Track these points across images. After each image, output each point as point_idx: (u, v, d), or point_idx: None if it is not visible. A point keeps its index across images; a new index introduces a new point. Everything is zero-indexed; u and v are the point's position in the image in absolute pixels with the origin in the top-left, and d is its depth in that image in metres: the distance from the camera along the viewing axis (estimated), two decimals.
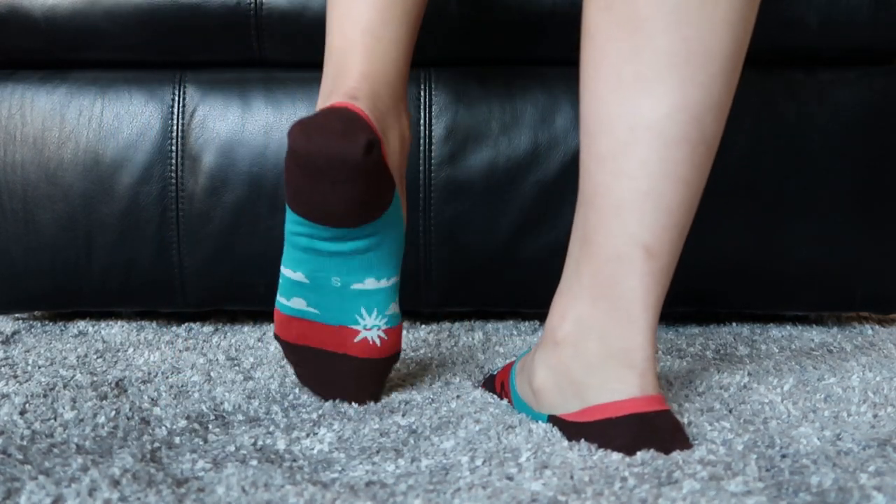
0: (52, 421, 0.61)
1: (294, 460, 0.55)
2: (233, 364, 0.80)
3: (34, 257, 0.92)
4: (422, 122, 0.90)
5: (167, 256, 0.92)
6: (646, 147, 0.56)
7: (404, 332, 0.91)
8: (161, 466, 0.53)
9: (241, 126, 0.91)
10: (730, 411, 0.64)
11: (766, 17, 0.88)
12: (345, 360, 0.66)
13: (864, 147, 0.90)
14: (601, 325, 0.58)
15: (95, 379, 0.73)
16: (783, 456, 0.54)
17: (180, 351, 0.84)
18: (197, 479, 0.51)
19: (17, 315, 1.01)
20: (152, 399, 0.67)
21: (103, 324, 0.96)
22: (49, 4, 0.89)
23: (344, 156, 0.57)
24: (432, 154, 0.90)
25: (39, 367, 0.76)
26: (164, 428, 0.60)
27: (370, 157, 0.58)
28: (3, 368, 0.76)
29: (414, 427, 0.61)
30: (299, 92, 0.91)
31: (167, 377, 0.74)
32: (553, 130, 0.90)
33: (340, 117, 0.58)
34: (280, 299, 0.66)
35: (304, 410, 0.66)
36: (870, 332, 0.94)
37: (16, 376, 0.73)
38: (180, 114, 0.91)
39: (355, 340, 0.66)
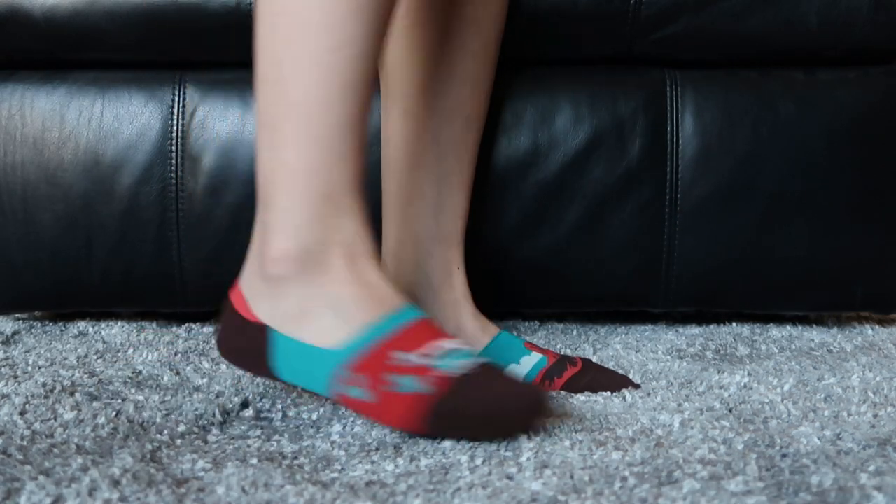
0: (53, 421, 0.61)
1: (294, 459, 0.55)
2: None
3: (34, 258, 0.92)
4: None
5: (167, 256, 0.92)
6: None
7: None
8: (161, 466, 0.53)
9: (241, 126, 0.91)
10: (730, 411, 0.64)
11: (766, 17, 0.88)
12: None
13: (865, 147, 0.90)
14: None
15: (95, 379, 0.73)
16: (783, 456, 0.54)
17: (180, 351, 0.84)
18: (197, 479, 0.51)
19: (17, 315, 1.01)
20: (152, 400, 0.67)
21: (103, 324, 0.96)
22: (49, 4, 0.89)
23: None
24: None
25: (39, 368, 0.76)
26: (164, 428, 0.60)
27: None
28: (3, 368, 0.76)
29: None
30: None
31: (167, 378, 0.74)
32: (553, 130, 0.90)
33: None
34: None
35: (304, 409, 0.66)
36: (870, 332, 0.94)
37: (16, 376, 0.73)
38: (180, 114, 0.91)
39: None
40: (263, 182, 0.63)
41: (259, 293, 0.64)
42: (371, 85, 0.62)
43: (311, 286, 0.62)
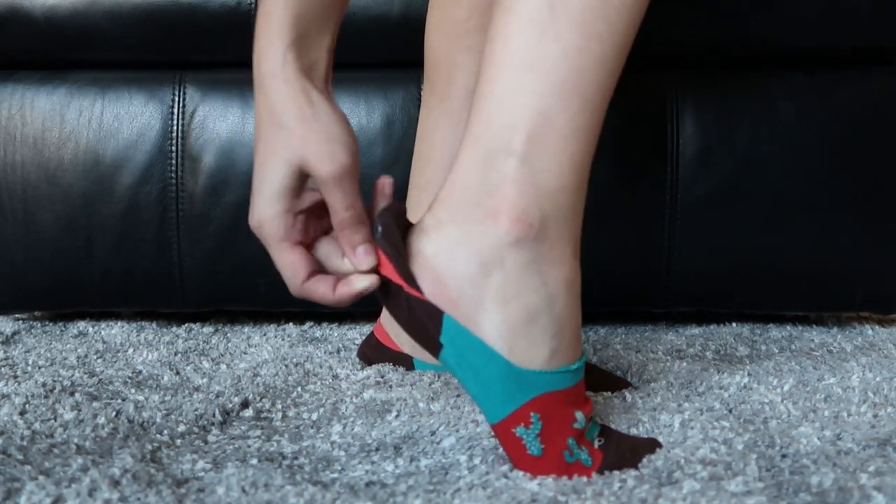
0: (52, 421, 0.61)
1: (294, 459, 0.55)
2: (232, 364, 0.80)
3: (34, 258, 0.92)
4: None
5: (167, 256, 0.92)
6: None
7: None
8: (161, 467, 0.53)
9: (241, 126, 0.91)
10: (730, 411, 0.64)
11: (766, 17, 0.88)
12: None
13: (865, 147, 0.90)
14: None
15: (95, 379, 0.73)
16: (783, 456, 0.54)
17: (180, 351, 0.84)
18: (197, 479, 0.51)
19: (17, 315, 1.01)
20: (152, 400, 0.67)
21: (103, 324, 0.96)
22: (49, 4, 0.89)
23: None
24: None
25: (39, 368, 0.76)
26: (164, 428, 0.60)
27: None
28: (3, 368, 0.76)
29: (413, 426, 0.61)
30: None
31: (167, 378, 0.74)
32: None
33: None
34: None
35: (304, 409, 0.66)
36: (870, 332, 0.94)
37: (16, 376, 0.73)
38: (180, 114, 0.91)
39: None
40: (525, 130, 0.52)
41: (473, 251, 0.52)
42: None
43: (532, 270, 0.52)
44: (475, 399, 0.53)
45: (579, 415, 0.53)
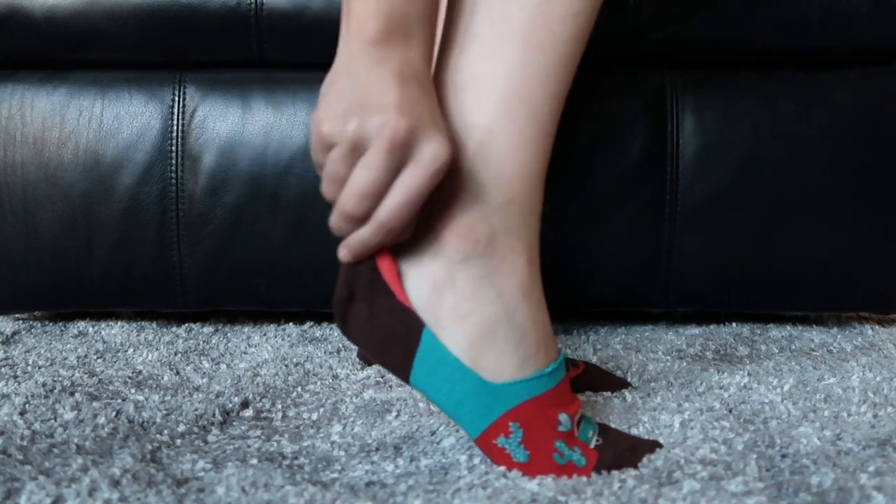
0: (52, 421, 0.61)
1: (294, 459, 0.55)
2: (232, 364, 0.80)
3: (34, 257, 0.92)
4: None
5: (167, 256, 0.92)
6: None
7: None
8: (161, 467, 0.53)
9: (241, 126, 0.91)
10: (730, 411, 0.64)
11: (766, 17, 0.88)
12: None
13: (865, 147, 0.90)
14: None
15: (95, 379, 0.73)
16: (783, 456, 0.54)
17: (180, 351, 0.84)
18: (197, 479, 0.51)
19: (17, 315, 1.01)
20: (152, 400, 0.67)
21: (103, 324, 0.96)
22: (49, 4, 0.89)
23: None
24: None
25: (39, 368, 0.76)
26: (164, 428, 0.60)
27: None
28: (3, 368, 0.76)
29: (413, 426, 0.61)
30: (300, 92, 0.91)
31: (167, 377, 0.74)
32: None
33: None
34: None
35: (304, 409, 0.66)
36: (870, 332, 0.94)
37: (16, 376, 0.73)
38: (180, 114, 0.91)
39: None
40: (469, 147, 0.52)
41: (423, 273, 0.52)
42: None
43: (486, 284, 0.52)
44: (452, 417, 0.53)
45: (563, 417, 0.53)
